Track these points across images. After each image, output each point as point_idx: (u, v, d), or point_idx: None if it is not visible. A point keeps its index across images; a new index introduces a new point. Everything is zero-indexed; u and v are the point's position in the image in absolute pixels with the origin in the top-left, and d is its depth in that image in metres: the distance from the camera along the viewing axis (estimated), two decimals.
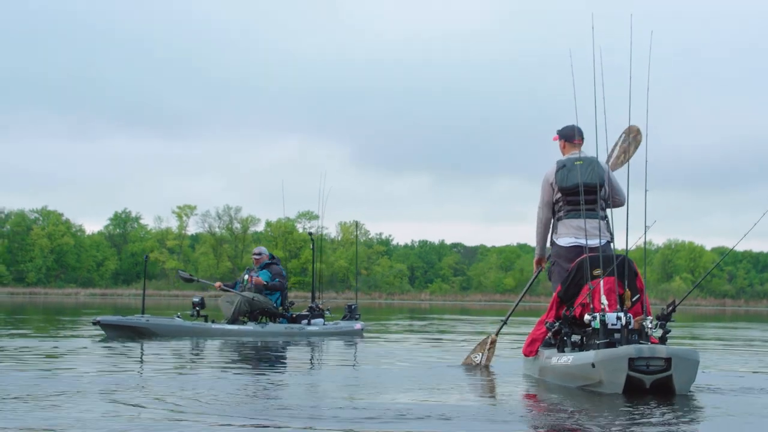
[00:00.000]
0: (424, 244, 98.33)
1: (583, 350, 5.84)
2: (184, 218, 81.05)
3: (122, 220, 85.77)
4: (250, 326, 11.17)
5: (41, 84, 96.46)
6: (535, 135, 77.24)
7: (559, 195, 6.77)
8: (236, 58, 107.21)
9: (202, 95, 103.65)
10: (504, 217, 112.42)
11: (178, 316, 11.26)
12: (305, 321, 11.80)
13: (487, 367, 7.14)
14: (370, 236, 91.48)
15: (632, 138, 7.16)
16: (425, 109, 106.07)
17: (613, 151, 7.11)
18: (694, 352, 5.49)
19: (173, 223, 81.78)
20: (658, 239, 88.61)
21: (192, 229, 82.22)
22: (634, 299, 5.92)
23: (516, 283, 78.91)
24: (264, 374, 6.55)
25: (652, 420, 4.37)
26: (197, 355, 8.56)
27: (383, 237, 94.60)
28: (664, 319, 5.81)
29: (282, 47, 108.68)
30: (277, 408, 4.63)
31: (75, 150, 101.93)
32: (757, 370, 7.73)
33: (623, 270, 5.90)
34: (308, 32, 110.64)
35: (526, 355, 6.68)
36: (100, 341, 9.79)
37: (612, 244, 6.49)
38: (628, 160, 7.00)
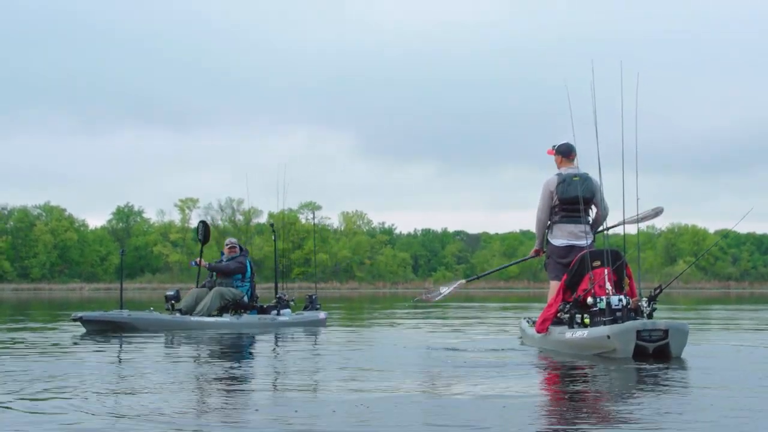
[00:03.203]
0: (427, 232, 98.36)
1: (587, 327, 7.14)
2: (187, 211, 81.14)
3: (125, 215, 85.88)
4: (227, 318, 11.17)
5: (43, 81, 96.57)
6: (540, 123, 77.22)
7: (557, 203, 8.09)
8: (241, 52, 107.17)
9: (205, 90, 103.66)
10: (508, 204, 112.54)
11: (152, 310, 11.18)
12: (274, 312, 11.83)
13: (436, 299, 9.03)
14: (373, 225, 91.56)
15: (653, 214, 8.50)
16: (431, 99, 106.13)
17: (638, 214, 8.16)
18: (685, 324, 6.97)
19: (176, 217, 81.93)
20: (661, 223, 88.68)
21: (195, 221, 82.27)
22: (624, 285, 7.36)
23: (519, 269, 78.86)
24: (263, 372, 6.54)
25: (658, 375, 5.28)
26: (190, 350, 8.52)
27: (386, 226, 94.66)
28: (651, 299, 7.14)
29: (288, 40, 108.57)
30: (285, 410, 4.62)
31: (76, 145, 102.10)
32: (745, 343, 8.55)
33: (615, 261, 7.32)
34: (314, 25, 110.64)
35: (538, 332, 7.91)
36: (79, 337, 9.70)
37: (594, 244, 7.92)
38: (638, 222, 8.29)
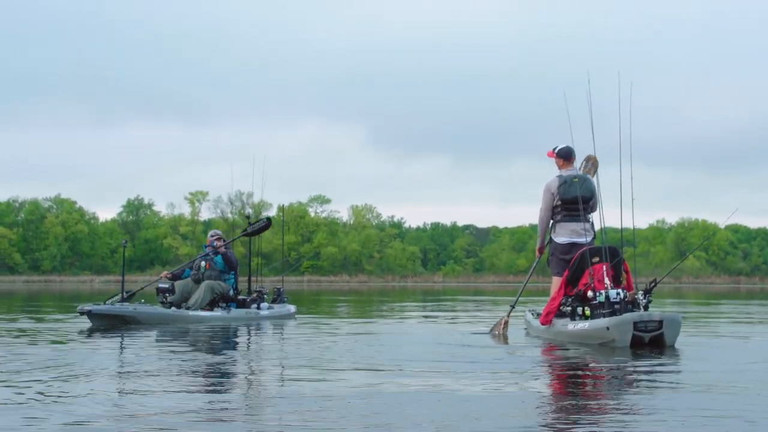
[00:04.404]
0: (436, 226, 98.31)
1: (588, 319, 7.65)
2: (197, 204, 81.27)
3: (135, 207, 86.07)
4: (218, 312, 11.25)
5: (54, 74, 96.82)
6: (550, 117, 76.94)
7: (558, 203, 8.59)
8: (252, 47, 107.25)
9: (216, 83, 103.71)
10: (517, 198, 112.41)
11: (143, 302, 11.10)
12: (255, 305, 11.93)
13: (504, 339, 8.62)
14: (382, 219, 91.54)
15: (591, 164, 9.00)
16: (441, 93, 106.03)
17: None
18: (678, 315, 7.55)
19: (186, 210, 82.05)
20: (671, 217, 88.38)
21: (204, 215, 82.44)
22: (622, 279, 7.90)
23: (529, 263, 78.73)
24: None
25: (653, 363, 5.47)
26: (199, 343, 8.57)
27: (395, 220, 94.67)
28: (647, 292, 7.68)
29: (299, 35, 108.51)
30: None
31: (87, 138, 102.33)
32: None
33: (613, 257, 7.86)
34: (324, 20, 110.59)
35: (543, 324, 8.39)
36: (86, 330, 9.72)
37: (594, 240, 8.47)
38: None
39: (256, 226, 11.99)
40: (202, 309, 11.13)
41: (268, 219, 12.10)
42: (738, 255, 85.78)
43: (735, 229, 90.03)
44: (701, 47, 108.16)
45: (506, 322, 9.10)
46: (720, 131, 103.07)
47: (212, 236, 11.97)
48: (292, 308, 12.68)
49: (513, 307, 9.51)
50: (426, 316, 13.51)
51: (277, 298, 12.90)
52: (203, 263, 11.64)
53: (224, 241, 11.92)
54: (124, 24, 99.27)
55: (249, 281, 12.59)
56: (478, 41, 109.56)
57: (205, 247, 12.00)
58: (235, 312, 11.45)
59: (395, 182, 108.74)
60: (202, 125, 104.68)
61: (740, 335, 9.27)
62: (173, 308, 11.05)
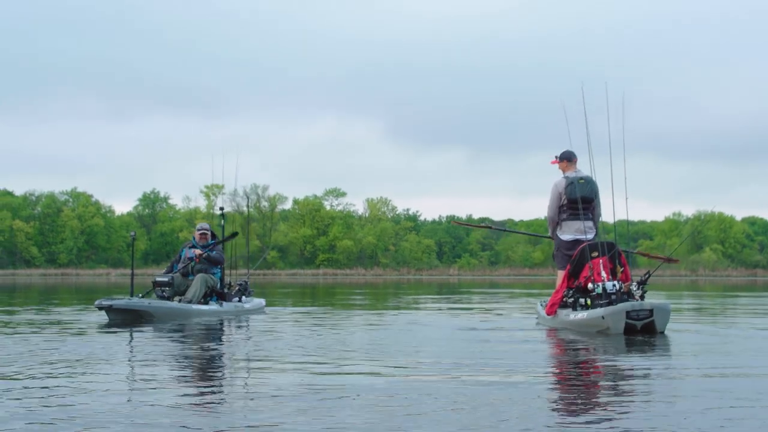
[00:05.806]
0: (451, 219, 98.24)
1: (589, 309, 8.28)
2: (212, 197, 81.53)
3: (151, 201, 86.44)
4: (214, 306, 11.33)
5: (72, 68, 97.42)
6: (568, 110, 76.60)
7: (565, 202, 9.30)
8: (269, 40, 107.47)
9: (234, 77, 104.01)
10: (535, 191, 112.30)
11: (140, 296, 11.08)
12: (236, 299, 12.04)
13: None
14: (397, 212, 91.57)
15: (663, 259, 10.02)
16: (458, 86, 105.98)
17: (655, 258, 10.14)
18: (667, 304, 8.12)
19: (201, 203, 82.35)
20: (687, 210, 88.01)
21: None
22: (618, 271, 8.42)
23: (544, 256, 78.57)
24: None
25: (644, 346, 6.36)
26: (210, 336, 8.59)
27: (411, 213, 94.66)
28: (642, 283, 8.29)
29: (315, 27, 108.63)
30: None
31: (104, 132, 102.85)
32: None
33: (611, 251, 8.47)
34: (341, 12, 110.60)
35: (548, 315, 9.11)
36: (104, 324, 9.76)
37: (597, 237, 9.14)
38: (650, 257, 10.12)
39: (228, 238, 12.12)
40: (198, 302, 11.23)
41: (235, 233, 12.42)
42: (755, 248, 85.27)
43: (752, 221, 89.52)
44: (719, 38, 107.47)
45: (477, 226, 12.74)
46: (737, 123, 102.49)
47: (199, 230, 11.90)
48: (262, 302, 13.03)
49: (489, 227, 11.91)
50: (439, 309, 13.49)
51: (245, 291, 12.93)
52: (193, 255, 11.64)
53: (213, 235, 12.01)
54: (141, 18, 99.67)
55: (223, 275, 12.61)
56: (496, 34, 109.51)
57: (194, 239, 11.96)
58: (226, 305, 11.57)
59: (411, 175, 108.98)
60: (218, 118, 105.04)
61: (759, 327, 9.21)
62: (176, 301, 11.14)
